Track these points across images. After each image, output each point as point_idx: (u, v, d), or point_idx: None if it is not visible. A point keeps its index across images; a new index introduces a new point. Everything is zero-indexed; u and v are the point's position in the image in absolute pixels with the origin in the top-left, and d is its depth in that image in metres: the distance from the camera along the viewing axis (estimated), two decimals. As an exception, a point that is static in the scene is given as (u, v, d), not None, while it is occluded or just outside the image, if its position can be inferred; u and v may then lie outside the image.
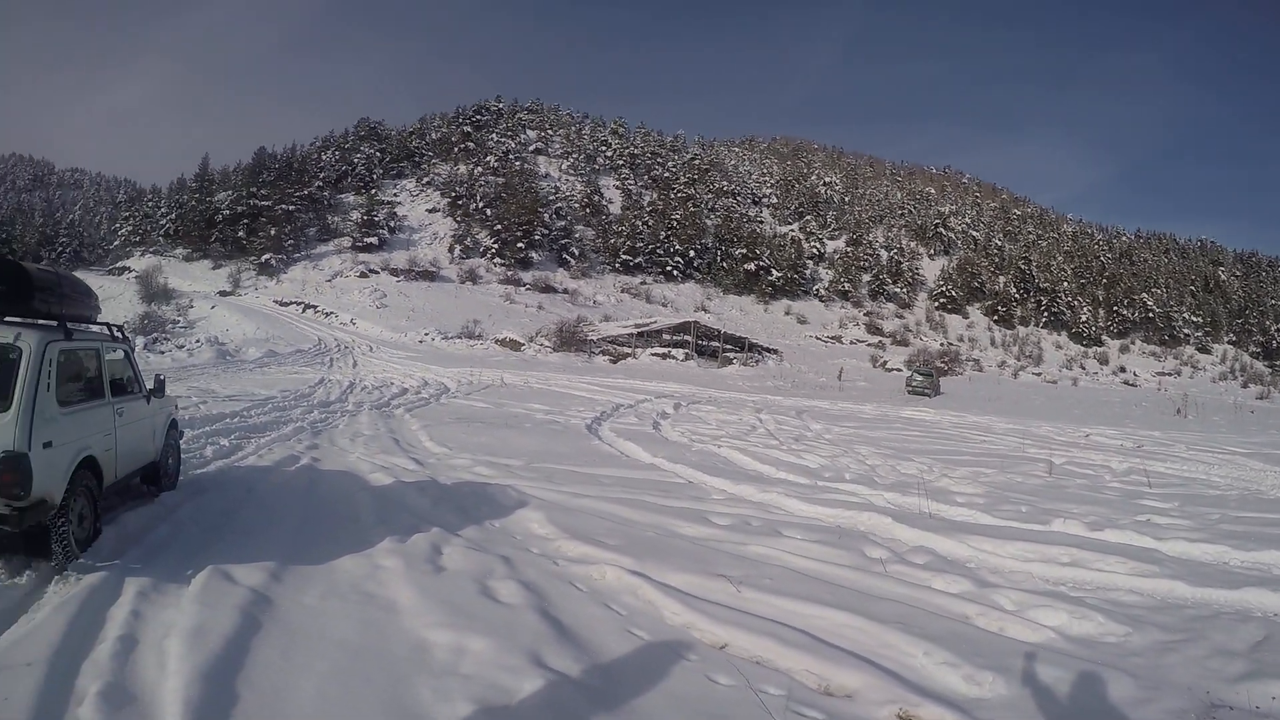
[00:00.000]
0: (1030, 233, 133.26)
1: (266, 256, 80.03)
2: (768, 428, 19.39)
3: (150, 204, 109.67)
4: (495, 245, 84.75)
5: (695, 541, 7.81)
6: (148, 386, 8.38)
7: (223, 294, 69.96)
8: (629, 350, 54.72)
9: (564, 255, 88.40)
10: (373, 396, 22.39)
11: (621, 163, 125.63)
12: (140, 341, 47.06)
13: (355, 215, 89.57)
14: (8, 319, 6.24)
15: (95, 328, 7.62)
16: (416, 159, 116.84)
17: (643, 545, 7.46)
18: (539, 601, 5.81)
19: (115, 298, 70.28)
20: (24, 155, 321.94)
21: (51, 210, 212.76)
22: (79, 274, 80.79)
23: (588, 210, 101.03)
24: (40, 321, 6.38)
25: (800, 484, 11.38)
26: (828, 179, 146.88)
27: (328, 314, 62.78)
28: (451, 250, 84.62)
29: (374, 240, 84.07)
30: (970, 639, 5.37)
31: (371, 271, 76.47)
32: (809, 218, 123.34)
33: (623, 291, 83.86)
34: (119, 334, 7.88)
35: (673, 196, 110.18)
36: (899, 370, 62.04)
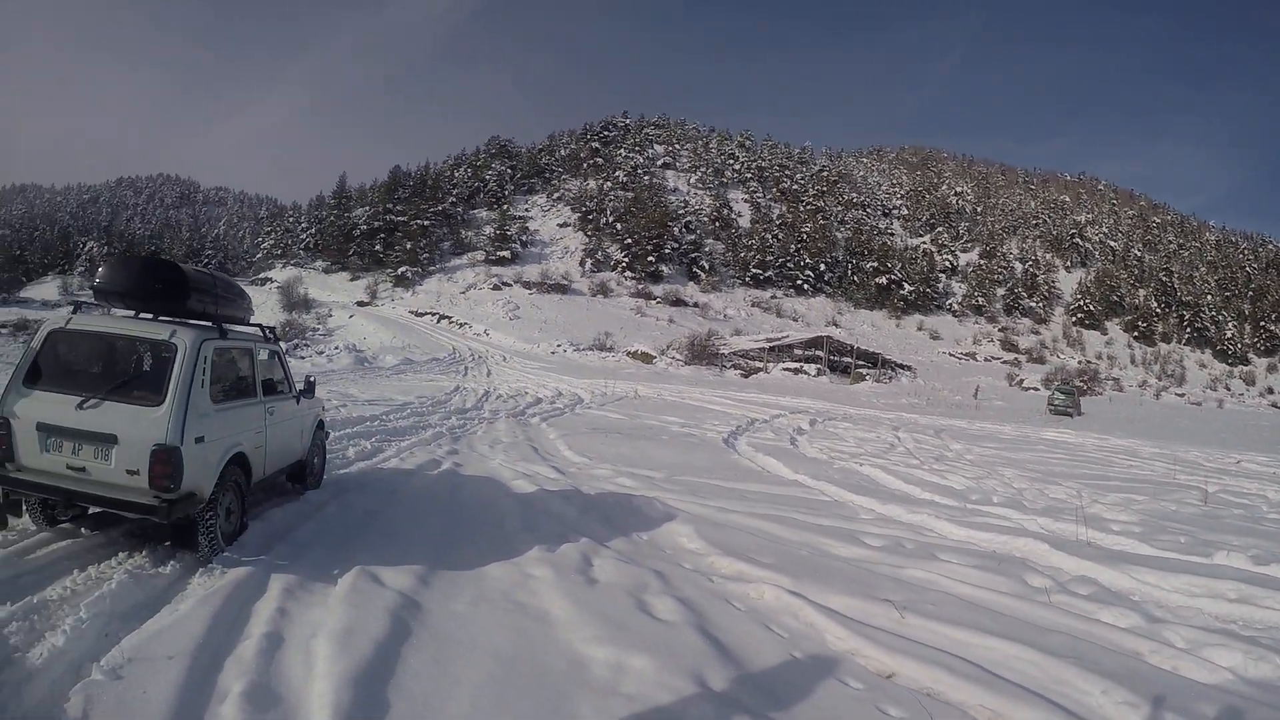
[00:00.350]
0: (1170, 242, 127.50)
1: (403, 269, 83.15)
2: (907, 446, 19.00)
3: (291, 219, 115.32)
4: (626, 259, 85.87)
5: (850, 562, 7.63)
6: (298, 387, 8.52)
7: (360, 304, 72.74)
8: (760, 365, 54.44)
9: (694, 269, 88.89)
10: (508, 405, 22.61)
11: (749, 175, 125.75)
12: (288, 348, 49.41)
13: (488, 230, 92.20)
14: (164, 318, 6.48)
15: (248, 329, 7.74)
16: (547, 175, 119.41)
17: (798, 564, 7.30)
18: (697, 619, 5.67)
19: (259, 306, 73.64)
20: (171, 175, 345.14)
21: (197, 225, 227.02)
22: None
23: (717, 224, 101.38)
24: (195, 321, 6.59)
25: (948, 505, 11.13)
26: (958, 189, 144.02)
27: (461, 324, 64.42)
28: (583, 264, 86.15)
29: (506, 254, 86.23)
30: (1146, 677, 5.11)
31: (505, 284, 78.24)
32: (940, 229, 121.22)
33: (753, 305, 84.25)
34: (271, 335, 7.97)
35: (802, 209, 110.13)
36: (1036, 389, 60.31)
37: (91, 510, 6.46)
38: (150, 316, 6.52)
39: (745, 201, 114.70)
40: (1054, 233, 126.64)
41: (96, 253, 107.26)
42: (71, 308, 6.39)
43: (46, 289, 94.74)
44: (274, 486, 8.06)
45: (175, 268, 6.46)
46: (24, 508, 6.22)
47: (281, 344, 8.52)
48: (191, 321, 6.52)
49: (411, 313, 68.67)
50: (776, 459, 14.97)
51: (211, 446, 6.02)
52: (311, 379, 8.91)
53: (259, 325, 7.88)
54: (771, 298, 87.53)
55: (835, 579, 6.91)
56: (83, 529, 6.50)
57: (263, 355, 7.54)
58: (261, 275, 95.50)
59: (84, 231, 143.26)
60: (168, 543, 6.28)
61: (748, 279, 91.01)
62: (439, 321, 65.91)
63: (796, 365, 53.65)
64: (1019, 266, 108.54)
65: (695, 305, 79.09)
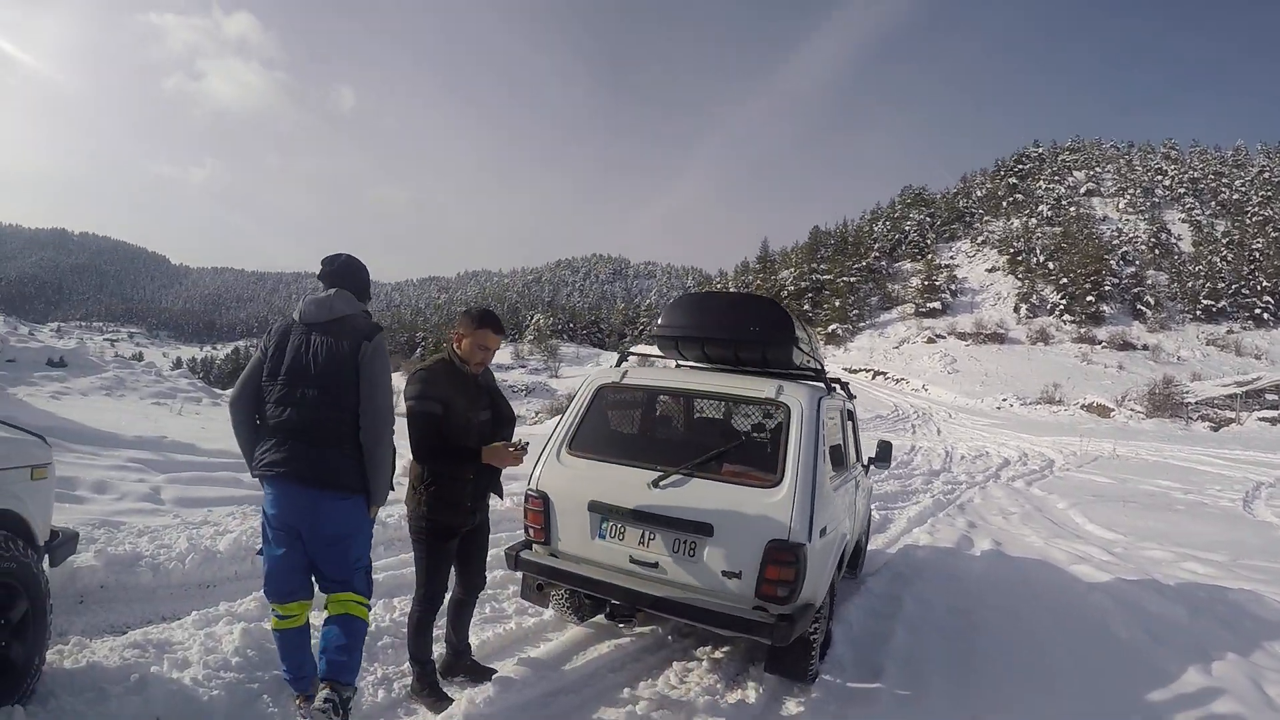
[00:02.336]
0: None
1: (833, 327, 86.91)
2: None
3: (718, 286, 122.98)
4: (1063, 301, 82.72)
5: None
6: (868, 453, 7.51)
7: (795, 364, 76.76)
8: (1231, 414, 50.19)
9: (1137, 305, 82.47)
10: (978, 466, 21.94)
11: (1183, 190, 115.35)
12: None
13: (914, 281, 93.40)
14: (748, 369, 5.61)
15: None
16: (966, 219, 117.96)
17: None
18: None
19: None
20: (603, 254, 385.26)
21: (630, 297, 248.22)
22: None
23: (1156, 251, 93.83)
24: (792, 373, 5.54)
25: None
26: None
27: (898, 380, 66.02)
28: (1017, 310, 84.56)
29: (936, 305, 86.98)
30: None
31: (938, 336, 78.97)
32: None
33: (1207, 343, 75.76)
34: (846, 389, 6.77)
35: (1248, 221, 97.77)
36: None
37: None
38: (731, 369, 5.62)
39: (1184, 221, 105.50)
40: None
41: (543, 324, 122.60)
42: (618, 357, 5.79)
43: (501, 354, 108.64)
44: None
45: (777, 305, 5.41)
46: (551, 597, 5.41)
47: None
48: (793, 373, 5.53)
49: (846, 370, 70.76)
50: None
51: (830, 539, 4.75)
52: (888, 443, 7.67)
53: (834, 380, 5.88)
54: (1228, 333, 77.52)
55: None
56: (619, 624, 5.61)
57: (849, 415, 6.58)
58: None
59: (530, 306, 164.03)
60: (727, 647, 5.27)
61: (1198, 313, 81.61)
62: (874, 378, 68.10)
63: (1275, 414, 48.21)
64: None
65: (1144, 348, 73.55)
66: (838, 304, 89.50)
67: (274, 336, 3.58)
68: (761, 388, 4.91)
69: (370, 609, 3.72)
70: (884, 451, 7.48)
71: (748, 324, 5.15)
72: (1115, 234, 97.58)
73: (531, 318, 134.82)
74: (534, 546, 4.93)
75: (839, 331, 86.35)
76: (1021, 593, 7.40)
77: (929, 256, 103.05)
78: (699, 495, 4.45)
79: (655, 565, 4.47)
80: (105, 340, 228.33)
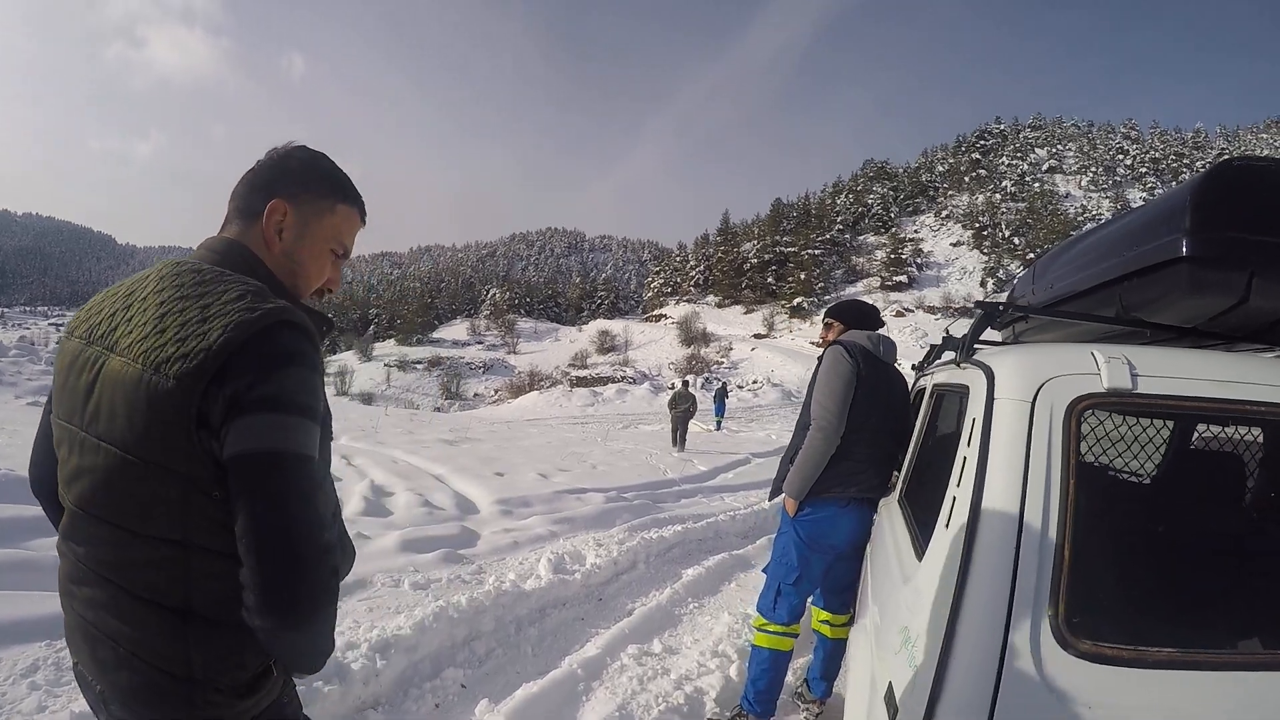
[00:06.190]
0: None
1: (798, 300, 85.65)
2: None
3: (678, 259, 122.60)
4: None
5: None
6: None
7: (758, 336, 76.16)
8: None
9: None
10: None
11: (1144, 170, 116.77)
12: (698, 380, 53.04)
13: (879, 255, 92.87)
14: None
15: None
16: (930, 193, 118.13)
17: None
18: None
19: (656, 341, 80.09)
20: (558, 228, 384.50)
21: (586, 270, 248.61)
22: (617, 322, 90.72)
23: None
24: None
25: None
26: None
27: (869, 354, 65.26)
28: (983, 284, 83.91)
29: (903, 279, 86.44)
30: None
31: (906, 310, 78.46)
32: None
33: None
34: None
35: None
36: None
37: None
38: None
39: (1145, 200, 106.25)
40: None
41: (499, 299, 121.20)
42: (965, 341, 2.73)
43: (456, 330, 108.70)
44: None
45: None
46: None
47: None
48: None
49: (813, 343, 70.44)
50: None
51: None
52: None
53: None
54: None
55: None
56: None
57: None
58: (656, 312, 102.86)
59: (484, 281, 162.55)
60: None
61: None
62: (843, 352, 67.23)
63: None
64: None
65: (1114, 321, 74.40)
66: (803, 277, 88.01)
67: None
68: None
69: None
70: None
71: None
72: (1080, 211, 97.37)
73: (487, 292, 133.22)
74: None
75: (804, 305, 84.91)
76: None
77: (893, 230, 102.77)
78: None
79: None
80: (50, 325, 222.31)
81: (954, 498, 2.00)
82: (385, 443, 15.66)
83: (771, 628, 3.75)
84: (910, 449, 3.41)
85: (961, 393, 2.47)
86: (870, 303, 4.15)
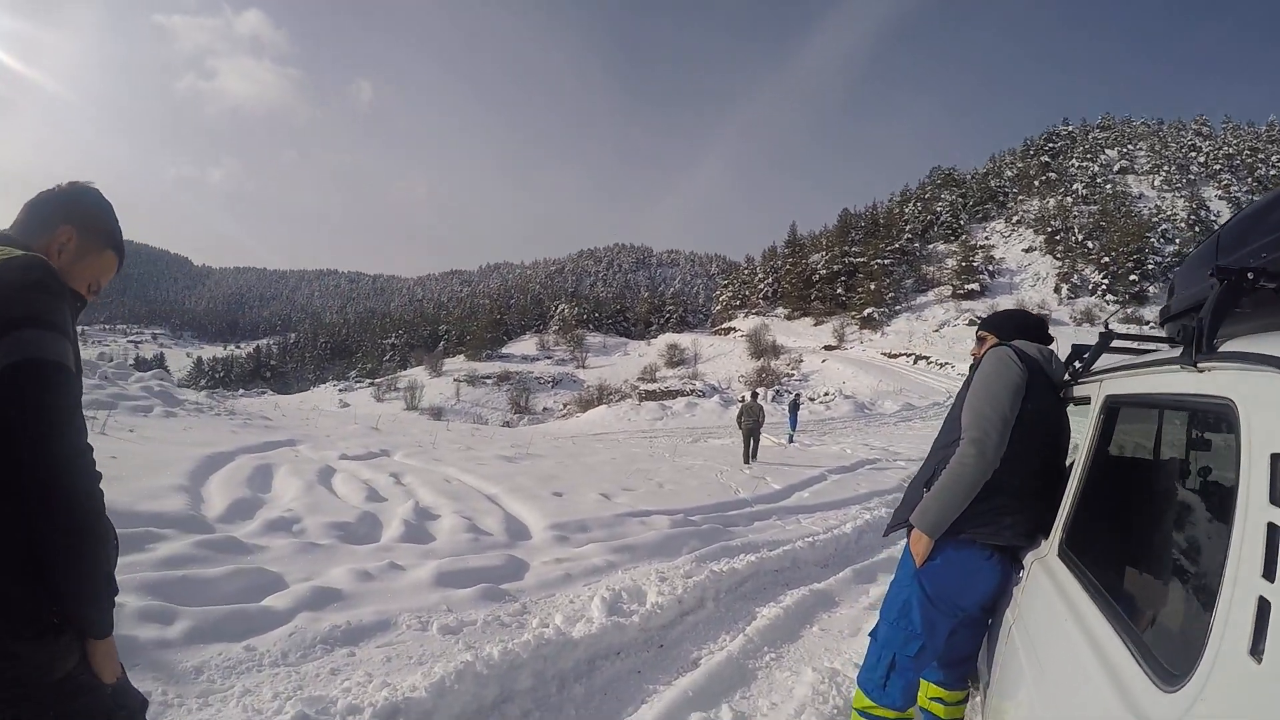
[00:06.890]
0: None
1: (868, 311, 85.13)
2: None
3: (746, 272, 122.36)
4: (1105, 280, 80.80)
5: None
6: None
7: (828, 348, 75.70)
8: None
9: None
10: None
11: (1219, 166, 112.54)
12: (768, 393, 51.78)
13: (950, 263, 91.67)
14: None
15: None
16: (1000, 199, 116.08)
17: None
18: None
19: (726, 354, 79.33)
20: (626, 244, 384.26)
21: (654, 285, 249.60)
22: (686, 336, 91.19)
23: (1196, 228, 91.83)
24: None
25: None
26: None
27: (942, 365, 63.67)
28: (1058, 290, 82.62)
29: (975, 287, 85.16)
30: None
31: (980, 318, 75.95)
32: None
33: None
34: None
35: None
36: None
37: None
38: None
39: (1221, 199, 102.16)
40: None
41: (568, 314, 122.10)
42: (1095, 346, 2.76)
43: (525, 345, 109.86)
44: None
45: None
46: None
47: None
48: None
49: (884, 354, 69.42)
50: None
51: None
52: None
53: None
54: (1278, 309, 76.64)
55: None
56: None
57: None
58: (725, 325, 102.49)
59: (553, 297, 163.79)
60: None
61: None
62: (915, 363, 65.92)
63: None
64: None
65: (1192, 325, 71.89)
66: (872, 287, 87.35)
67: None
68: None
69: None
70: None
71: None
72: (1154, 211, 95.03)
73: (556, 308, 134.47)
74: None
75: (875, 315, 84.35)
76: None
77: (963, 237, 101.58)
78: None
79: None
80: (129, 342, 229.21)
81: (1263, 599, 1.14)
82: (441, 459, 14.97)
83: (879, 712, 2.92)
84: (1073, 484, 2.42)
85: (1205, 409, 1.65)
86: (1035, 313, 3.21)
